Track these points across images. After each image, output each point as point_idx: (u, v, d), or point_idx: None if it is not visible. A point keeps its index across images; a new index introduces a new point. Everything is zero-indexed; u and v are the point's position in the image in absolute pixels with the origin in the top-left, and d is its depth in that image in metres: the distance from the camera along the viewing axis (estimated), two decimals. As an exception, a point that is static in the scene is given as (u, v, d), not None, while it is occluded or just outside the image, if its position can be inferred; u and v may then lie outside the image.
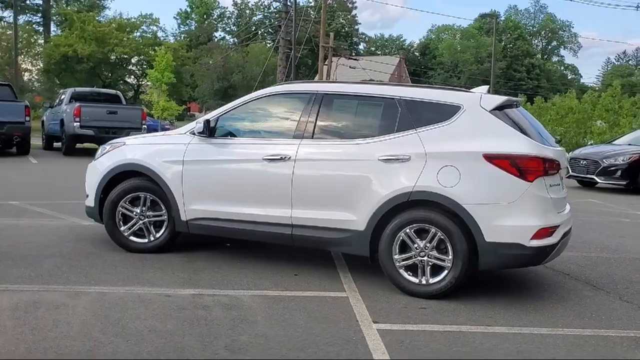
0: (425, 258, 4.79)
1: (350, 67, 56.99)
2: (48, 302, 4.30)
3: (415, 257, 4.82)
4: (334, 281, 5.22)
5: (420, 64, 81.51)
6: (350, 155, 5.06)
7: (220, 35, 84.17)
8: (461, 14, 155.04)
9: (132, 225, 5.79)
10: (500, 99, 5.02)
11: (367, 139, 5.07)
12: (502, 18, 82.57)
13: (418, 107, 5.03)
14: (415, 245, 4.81)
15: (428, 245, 4.78)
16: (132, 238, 5.82)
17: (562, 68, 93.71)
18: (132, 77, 61.95)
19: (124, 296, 4.54)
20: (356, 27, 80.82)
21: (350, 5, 76.63)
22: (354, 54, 53.55)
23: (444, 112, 4.95)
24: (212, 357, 3.51)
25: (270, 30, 73.83)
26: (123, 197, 5.76)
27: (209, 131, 5.49)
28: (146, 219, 5.77)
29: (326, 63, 37.75)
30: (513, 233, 4.63)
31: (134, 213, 5.78)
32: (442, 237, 4.74)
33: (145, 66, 58.48)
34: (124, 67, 59.68)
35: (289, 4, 41.67)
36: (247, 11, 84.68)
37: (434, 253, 4.77)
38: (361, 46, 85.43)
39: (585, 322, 4.49)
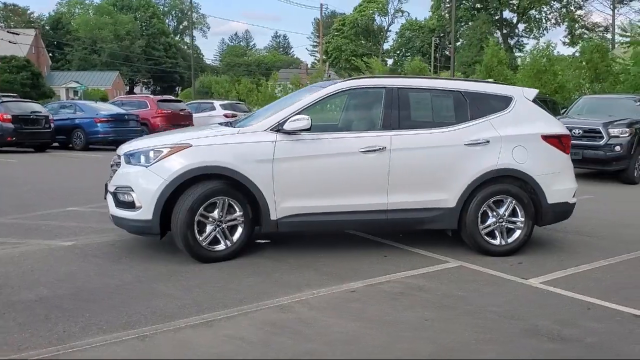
0: (504, 223, 5.84)
1: (10, 42, 50.68)
2: (287, 321, 3.98)
3: (494, 224, 5.81)
4: (423, 258, 5.74)
5: (54, 38, 75.93)
6: (440, 142, 5.69)
7: None
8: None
9: (209, 234, 5.28)
10: (535, 91, 6.30)
11: (451, 127, 5.77)
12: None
13: (481, 99, 5.95)
14: (494, 213, 5.80)
15: (505, 213, 5.82)
16: (212, 247, 5.30)
17: (186, 47, 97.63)
18: None
19: (332, 299, 4.45)
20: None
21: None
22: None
23: (502, 102, 5.99)
24: (537, 329, 4.01)
25: None
26: (202, 203, 5.18)
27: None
28: (223, 224, 5.32)
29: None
30: (564, 194, 6.02)
31: (210, 219, 5.26)
32: (515, 204, 5.83)
33: None
34: None
35: None
36: None
37: (509, 218, 5.85)
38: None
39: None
